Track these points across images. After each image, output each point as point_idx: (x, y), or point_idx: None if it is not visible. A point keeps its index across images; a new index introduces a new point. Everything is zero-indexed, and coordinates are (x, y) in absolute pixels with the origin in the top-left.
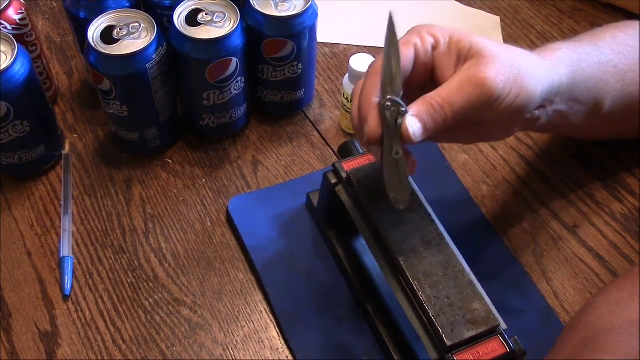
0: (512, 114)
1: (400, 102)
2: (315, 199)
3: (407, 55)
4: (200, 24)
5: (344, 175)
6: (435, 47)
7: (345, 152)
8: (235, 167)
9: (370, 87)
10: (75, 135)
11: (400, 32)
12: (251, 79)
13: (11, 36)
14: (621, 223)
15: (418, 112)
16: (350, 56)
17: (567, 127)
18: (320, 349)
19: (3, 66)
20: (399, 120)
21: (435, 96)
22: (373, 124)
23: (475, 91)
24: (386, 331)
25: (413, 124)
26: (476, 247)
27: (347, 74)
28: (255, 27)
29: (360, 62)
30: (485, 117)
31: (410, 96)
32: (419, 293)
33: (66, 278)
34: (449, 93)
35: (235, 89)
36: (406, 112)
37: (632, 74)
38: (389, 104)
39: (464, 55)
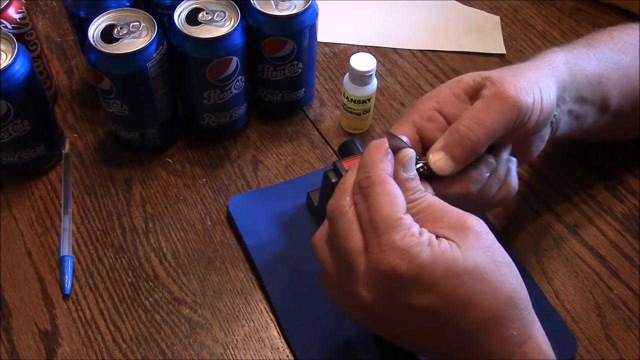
0: (543, 123)
1: (418, 164)
2: (315, 198)
3: (410, 133)
4: (201, 23)
5: (344, 174)
6: (439, 110)
7: (345, 151)
8: (236, 166)
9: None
10: (76, 135)
11: (398, 33)
12: (251, 78)
13: (11, 35)
14: (622, 222)
15: (444, 144)
16: (351, 56)
17: (582, 130)
18: (321, 348)
19: (3, 65)
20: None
21: (461, 121)
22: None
23: (503, 105)
24: None
25: (434, 159)
26: None
27: (347, 74)
28: (256, 26)
29: (361, 62)
30: (522, 134)
31: None
32: None
33: (66, 277)
34: (475, 114)
35: (235, 88)
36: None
37: (635, 70)
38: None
39: (471, 89)
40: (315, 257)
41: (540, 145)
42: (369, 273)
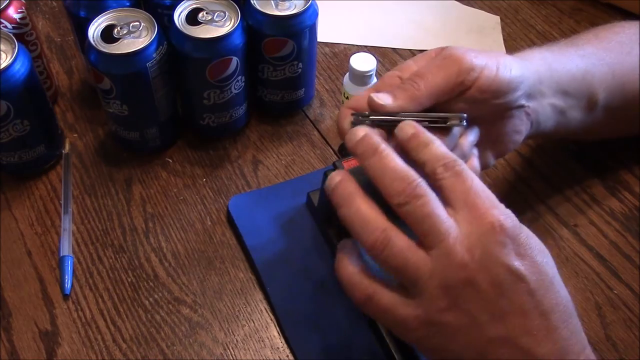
0: (502, 97)
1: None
2: (315, 198)
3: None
4: (201, 23)
5: None
6: (401, 77)
7: (345, 151)
8: (236, 166)
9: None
10: (76, 135)
11: (398, 33)
12: (251, 78)
13: (11, 35)
14: (621, 222)
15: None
16: (351, 56)
17: (571, 127)
18: (321, 348)
19: (3, 65)
20: None
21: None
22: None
23: (447, 61)
24: (387, 330)
25: (376, 96)
26: None
27: (347, 74)
28: (256, 26)
29: (361, 62)
30: (474, 101)
31: None
32: None
33: (66, 277)
34: (418, 70)
35: (235, 88)
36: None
37: (620, 66)
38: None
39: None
40: (369, 239)
41: (515, 136)
42: (469, 230)
